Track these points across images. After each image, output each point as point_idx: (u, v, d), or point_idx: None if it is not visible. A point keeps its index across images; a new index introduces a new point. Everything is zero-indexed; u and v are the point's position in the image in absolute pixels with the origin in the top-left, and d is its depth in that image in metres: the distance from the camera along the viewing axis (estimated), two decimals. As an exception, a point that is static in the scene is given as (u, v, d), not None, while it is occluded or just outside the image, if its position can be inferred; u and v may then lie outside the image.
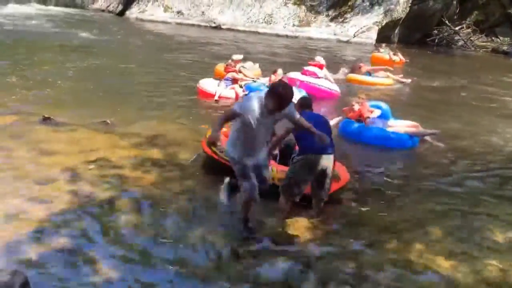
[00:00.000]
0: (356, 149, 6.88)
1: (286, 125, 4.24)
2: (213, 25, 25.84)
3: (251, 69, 10.66)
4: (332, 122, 7.27)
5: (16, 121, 6.65)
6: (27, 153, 5.48)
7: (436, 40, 25.01)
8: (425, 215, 4.71)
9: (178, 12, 27.56)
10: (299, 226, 4.27)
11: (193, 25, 26.04)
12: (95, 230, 3.95)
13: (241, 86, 9.49)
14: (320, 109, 7.78)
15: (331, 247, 4.05)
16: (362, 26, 23.41)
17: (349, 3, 24.50)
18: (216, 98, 9.17)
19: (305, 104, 4.65)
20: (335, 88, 10.30)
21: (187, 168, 5.47)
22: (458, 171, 6.11)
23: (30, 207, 4.20)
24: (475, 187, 5.58)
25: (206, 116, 8.05)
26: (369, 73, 12.12)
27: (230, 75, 9.79)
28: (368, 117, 7.10)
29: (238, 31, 24.73)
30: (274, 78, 8.79)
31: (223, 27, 25.52)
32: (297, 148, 4.50)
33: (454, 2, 24.92)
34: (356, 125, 7.14)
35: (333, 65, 12.99)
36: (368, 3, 24.05)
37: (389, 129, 7.00)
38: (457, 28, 24.91)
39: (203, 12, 26.82)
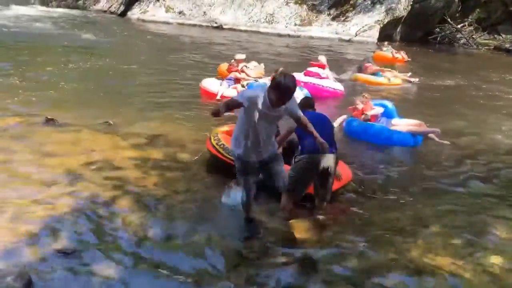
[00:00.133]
0: (359, 147, 6.87)
1: (289, 124, 4.25)
2: (215, 25, 25.86)
3: (254, 69, 10.65)
4: (337, 122, 7.29)
5: (19, 123, 6.67)
6: (30, 154, 5.50)
7: (438, 38, 24.96)
8: (428, 214, 4.69)
9: (180, 12, 27.59)
10: (302, 226, 4.27)
11: (194, 25, 26.07)
12: (98, 231, 3.96)
13: (243, 86, 9.50)
14: (325, 108, 7.77)
15: (334, 247, 4.04)
16: (364, 25, 23.39)
17: (351, 2, 24.49)
18: (218, 97, 9.18)
19: (307, 104, 4.66)
20: (339, 87, 10.29)
21: (190, 168, 5.48)
22: (462, 169, 6.09)
23: (33, 208, 4.21)
24: (479, 186, 5.55)
25: (209, 116, 8.00)
26: (375, 73, 12.05)
27: (232, 74, 9.81)
28: (366, 114, 7.11)
29: (240, 31, 24.74)
30: (276, 77, 8.78)
31: (224, 27, 25.54)
32: (299, 147, 4.49)
33: (456, 0, 24.85)
34: (357, 123, 7.15)
35: (335, 64, 12.96)
36: (369, 2, 24.03)
37: (393, 128, 7.00)
38: (459, 26, 24.84)
39: (204, 12, 26.84)
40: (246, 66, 10.22)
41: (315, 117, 4.31)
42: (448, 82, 13.19)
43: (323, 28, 24.21)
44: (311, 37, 23.35)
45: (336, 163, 4.36)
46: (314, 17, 24.91)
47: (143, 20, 27.54)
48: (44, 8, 31.52)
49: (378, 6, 23.80)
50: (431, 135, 7.12)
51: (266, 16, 25.46)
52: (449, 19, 24.52)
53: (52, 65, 11.84)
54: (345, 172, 4.97)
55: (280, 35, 23.68)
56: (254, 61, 11.61)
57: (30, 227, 3.89)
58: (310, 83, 9.96)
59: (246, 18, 25.76)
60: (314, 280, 3.51)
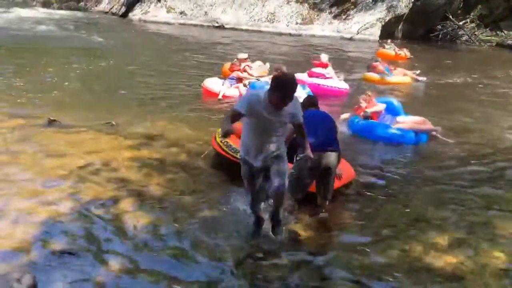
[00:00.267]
0: (361, 145, 6.87)
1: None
2: (216, 24, 25.87)
3: (258, 68, 10.67)
4: (341, 119, 7.29)
5: (22, 124, 6.70)
6: (33, 155, 5.53)
7: (440, 35, 24.86)
8: (431, 212, 4.68)
9: (181, 12, 27.60)
10: (304, 224, 4.27)
11: (196, 25, 26.07)
12: (101, 232, 3.97)
13: (245, 85, 9.51)
14: (331, 107, 7.79)
15: (336, 245, 4.05)
16: (365, 23, 23.34)
17: (352, 0, 24.44)
18: (220, 97, 9.19)
19: (310, 102, 4.67)
20: (345, 86, 10.28)
21: (193, 168, 5.49)
22: (466, 167, 6.04)
23: (37, 208, 4.23)
24: (483, 184, 5.51)
25: (211, 115, 8.06)
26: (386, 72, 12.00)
27: (234, 74, 9.83)
28: (365, 111, 7.12)
29: (241, 30, 24.74)
30: (278, 76, 8.78)
31: (226, 26, 25.54)
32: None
33: (458, -3, 24.77)
34: (358, 121, 7.16)
35: (338, 63, 12.93)
36: (370, 0, 23.98)
37: (396, 126, 6.98)
38: (461, 23, 24.74)
39: (206, 12, 26.84)
40: (248, 66, 10.24)
41: (316, 115, 4.32)
42: (452, 79, 13.13)
43: (325, 27, 24.17)
44: (313, 36, 23.32)
45: (338, 162, 4.35)
46: (316, 15, 24.87)
47: (145, 21, 27.57)
48: (45, 10, 31.60)
49: (379, 3, 23.75)
50: (434, 133, 7.11)
51: (267, 15, 25.44)
52: (450, 16, 24.43)
53: (54, 66, 11.89)
54: (347, 170, 4.96)
55: (281, 34, 23.65)
56: (259, 60, 11.63)
57: (33, 228, 3.90)
58: (316, 83, 9.94)
59: (247, 18, 25.75)
60: (316, 279, 3.51)
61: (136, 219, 4.18)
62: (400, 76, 12.08)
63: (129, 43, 18.24)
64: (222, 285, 3.39)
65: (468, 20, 25.05)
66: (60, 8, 33.43)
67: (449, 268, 3.66)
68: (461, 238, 4.14)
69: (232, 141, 5.28)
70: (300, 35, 23.76)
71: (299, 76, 10.30)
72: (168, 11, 28.03)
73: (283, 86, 3.37)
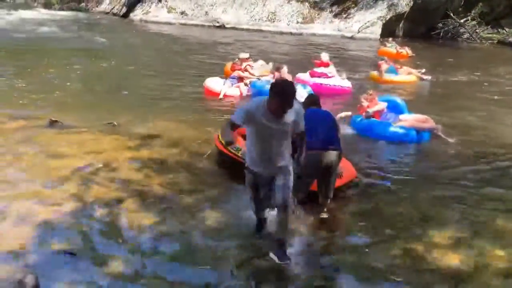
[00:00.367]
0: (363, 144, 6.87)
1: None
2: (217, 24, 25.87)
3: (259, 68, 10.67)
4: (338, 116, 7.28)
5: (24, 125, 6.71)
6: (35, 156, 5.54)
7: (441, 33, 24.79)
8: (433, 210, 4.68)
9: (182, 12, 27.60)
10: (306, 223, 4.27)
11: (196, 25, 26.07)
12: (104, 232, 3.98)
13: (246, 84, 9.52)
14: (334, 106, 7.77)
15: (338, 244, 4.05)
16: (366, 21, 23.30)
17: (352, -1, 24.42)
18: (221, 96, 9.19)
19: (312, 101, 4.67)
20: (347, 84, 10.26)
21: (195, 168, 5.50)
22: (469, 165, 6.03)
23: (39, 209, 4.24)
24: (485, 182, 5.50)
25: (212, 115, 8.07)
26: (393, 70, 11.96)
27: (235, 73, 9.83)
28: (367, 111, 7.12)
29: (242, 30, 24.73)
30: (278, 75, 8.79)
31: (227, 26, 25.53)
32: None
33: (459, -6, 24.71)
34: (360, 120, 7.16)
35: (340, 61, 12.90)
36: (371, -2, 23.96)
37: (398, 124, 6.97)
38: (462, 21, 24.68)
39: (206, 12, 26.84)
40: (249, 65, 10.24)
41: (317, 114, 4.32)
42: (455, 77, 13.09)
43: (326, 26, 24.15)
44: (314, 35, 23.30)
45: (339, 160, 4.35)
46: (316, 14, 24.85)
47: (146, 21, 27.58)
48: (47, 11, 31.63)
49: (380, 2, 23.71)
50: (436, 131, 7.09)
51: (268, 15, 25.43)
52: (451, 14, 24.37)
53: (56, 67, 11.91)
54: (348, 169, 4.96)
55: (282, 33, 23.64)
56: (261, 60, 11.64)
57: (35, 229, 3.91)
58: (319, 83, 9.92)
59: (248, 17, 25.75)
60: (318, 277, 3.51)
61: (138, 220, 4.18)
62: (406, 75, 12.02)
63: (130, 44, 18.25)
64: (224, 282, 3.39)
65: (469, 17, 24.97)
66: (61, 9, 33.45)
67: (451, 268, 3.66)
68: (464, 237, 4.13)
69: (233, 138, 5.29)
70: (301, 34, 23.74)
71: (301, 76, 10.31)
72: (169, 11, 28.04)
73: (281, 92, 3.30)
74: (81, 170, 5.15)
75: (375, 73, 11.94)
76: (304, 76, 10.26)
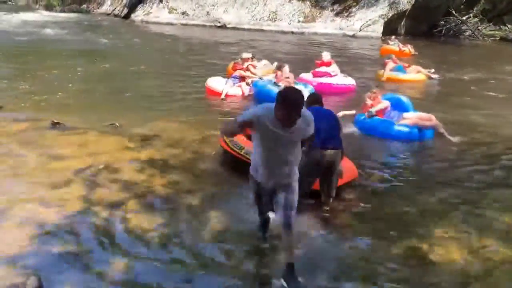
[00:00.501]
0: (365, 142, 6.85)
1: None
2: (218, 24, 25.89)
3: (262, 68, 10.67)
4: (339, 114, 7.25)
5: (26, 128, 6.72)
6: (38, 158, 5.54)
7: (443, 31, 24.74)
8: (435, 208, 4.66)
9: (183, 13, 27.65)
10: (308, 222, 4.26)
11: (198, 25, 26.11)
12: (106, 233, 3.97)
13: (248, 84, 9.51)
14: (339, 105, 7.70)
15: (341, 242, 4.03)
16: (368, 20, 23.29)
17: (354, -3, 24.40)
18: (222, 96, 9.19)
19: (314, 100, 4.65)
20: (351, 82, 10.24)
21: (197, 168, 5.49)
22: (473, 163, 5.98)
23: (42, 211, 4.24)
24: (489, 180, 5.47)
25: (214, 115, 8.07)
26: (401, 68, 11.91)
27: (237, 72, 9.83)
28: (369, 111, 7.10)
29: (243, 29, 24.75)
30: (280, 74, 8.78)
31: (228, 26, 25.56)
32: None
33: (460, -8, 24.65)
34: (362, 118, 7.15)
35: (342, 60, 12.88)
36: (372, -4, 23.93)
37: (402, 122, 6.94)
38: (464, 18, 24.62)
39: (207, 12, 26.87)
40: (252, 65, 10.24)
41: (319, 113, 4.29)
42: (458, 74, 13.04)
43: (327, 24, 24.14)
44: (315, 34, 23.29)
45: (341, 159, 4.34)
46: (318, 13, 24.84)
47: (147, 22, 27.65)
48: (48, 13, 31.77)
49: (381, 0, 23.68)
50: (440, 129, 7.05)
51: (269, 14, 25.44)
52: (453, 11, 24.31)
53: (58, 69, 11.94)
54: (350, 169, 4.94)
55: (284, 33, 23.64)
56: (265, 60, 11.63)
57: (39, 230, 3.91)
58: (323, 83, 9.90)
59: (249, 17, 25.76)
60: (321, 276, 3.50)
61: (140, 221, 4.17)
62: (414, 73, 11.96)
63: (132, 45, 18.28)
64: (227, 280, 3.38)
65: (471, 15, 24.92)
66: (62, 11, 33.59)
67: (456, 266, 3.63)
68: (469, 237, 4.09)
69: (239, 139, 5.32)
70: (302, 33, 23.73)
71: (304, 76, 10.29)
72: (170, 12, 28.09)
73: (288, 101, 3.02)
74: (83, 172, 5.15)
75: (382, 71, 11.88)
76: (307, 76, 10.25)
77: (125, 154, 5.80)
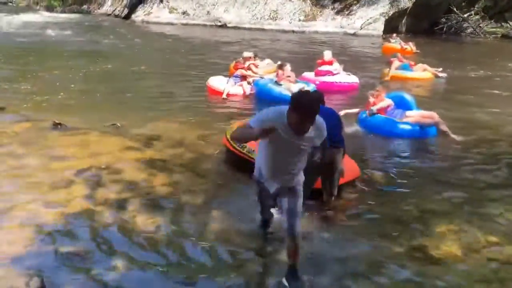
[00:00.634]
0: (368, 140, 6.84)
1: None
2: (219, 24, 25.88)
3: (264, 67, 10.66)
4: (342, 112, 7.23)
5: (28, 128, 6.72)
6: (39, 159, 5.53)
7: (445, 29, 24.69)
8: (437, 206, 4.63)
9: (184, 12, 27.65)
10: (310, 221, 4.24)
11: (198, 25, 26.10)
12: (108, 233, 3.96)
13: (249, 83, 9.49)
14: (343, 103, 7.65)
15: (343, 241, 4.00)
16: (369, 18, 23.25)
17: (355, -5, 24.37)
18: (224, 95, 9.17)
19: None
20: (354, 79, 10.22)
21: (199, 168, 5.47)
22: (473, 161, 5.95)
23: (44, 211, 4.23)
24: (491, 178, 5.44)
25: (216, 114, 8.05)
26: (407, 67, 11.86)
27: (238, 72, 9.82)
28: (371, 109, 7.07)
29: (244, 28, 24.74)
30: (281, 73, 8.76)
31: (228, 25, 25.55)
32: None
33: (462, -11, 24.59)
34: (365, 116, 7.13)
35: (342, 58, 12.84)
36: (373, -6, 23.90)
37: (404, 120, 6.92)
38: (465, 15, 24.56)
39: (208, 12, 26.87)
40: (253, 64, 10.23)
41: (321, 111, 4.25)
42: (461, 72, 13.00)
43: (328, 23, 24.11)
44: (316, 32, 23.26)
45: (342, 158, 4.31)
46: (318, 12, 24.82)
47: (147, 22, 27.66)
48: (49, 14, 31.82)
49: (382, -2, 23.66)
50: (443, 127, 7.02)
51: (270, 13, 25.43)
52: (455, 9, 24.26)
53: (59, 69, 11.95)
54: (352, 168, 4.91)
55: (284, 32, 23.63)
56: (268, 59, 11.62)
57: (41, 230, 3.90)
58: (326, 81, 9.88)
59: (250, 16, 25.75)
60: (323, 275, 3.48)
61: (143, 221, 4.16)
62: (420, 72, 11.91)
63: (133, 45, 18.28)
64: (228, 280, 3.37)
65: (473, 12, 24.88)
66: (63, 12, 33.64)
67: (460, 266, 3.61)
68: (472, 236, 4.06)
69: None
70: (303, 32, 23.72)
71: (306, 75, 10.28)
72: (170, 12, 28.09)
73: (302, 106, 2.80)
74: (84, 172, 5.14)
75: (387, 70, 11.83)
76: (310, 75, 10.23)
77: (127, 154, 5.78)
